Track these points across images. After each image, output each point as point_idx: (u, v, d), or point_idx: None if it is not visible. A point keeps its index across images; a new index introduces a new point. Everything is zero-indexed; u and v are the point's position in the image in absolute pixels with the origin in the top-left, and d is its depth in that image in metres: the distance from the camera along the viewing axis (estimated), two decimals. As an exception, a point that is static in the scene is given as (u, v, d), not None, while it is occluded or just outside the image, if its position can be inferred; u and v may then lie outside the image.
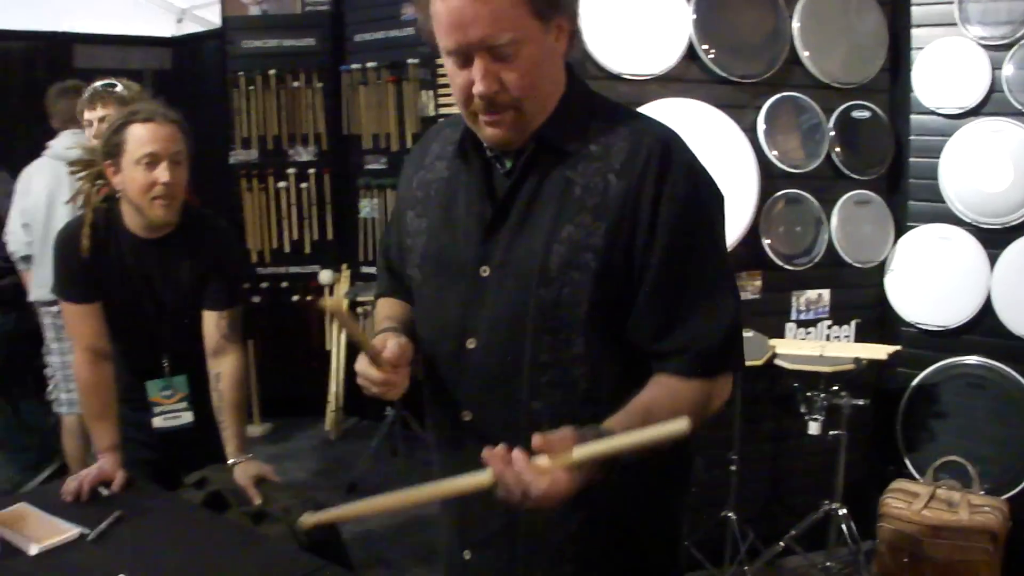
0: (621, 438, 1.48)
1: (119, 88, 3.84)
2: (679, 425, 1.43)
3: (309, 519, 1.77)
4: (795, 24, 4.04)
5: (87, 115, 3.86)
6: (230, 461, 2.82)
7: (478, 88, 1.63)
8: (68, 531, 2.32)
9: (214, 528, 2.48)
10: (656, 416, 1.53)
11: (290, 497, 2.69)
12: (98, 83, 3.88)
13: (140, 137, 2.71)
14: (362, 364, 1.76)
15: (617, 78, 3.83)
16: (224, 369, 2.92)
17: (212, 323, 2.93)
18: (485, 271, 1.75)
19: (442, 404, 1.84)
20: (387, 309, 2.05)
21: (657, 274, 1.66)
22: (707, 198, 1.74)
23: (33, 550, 2.23)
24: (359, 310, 6.14)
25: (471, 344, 1.76)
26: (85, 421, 2.95)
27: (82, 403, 2.92)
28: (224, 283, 2.95)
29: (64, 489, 2.59)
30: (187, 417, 3.03)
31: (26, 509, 2.44)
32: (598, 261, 1.66)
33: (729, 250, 3.81)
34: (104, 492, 2.63)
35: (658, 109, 3.82)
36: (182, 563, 2.21)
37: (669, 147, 1.71)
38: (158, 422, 3.02)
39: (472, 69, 1.63)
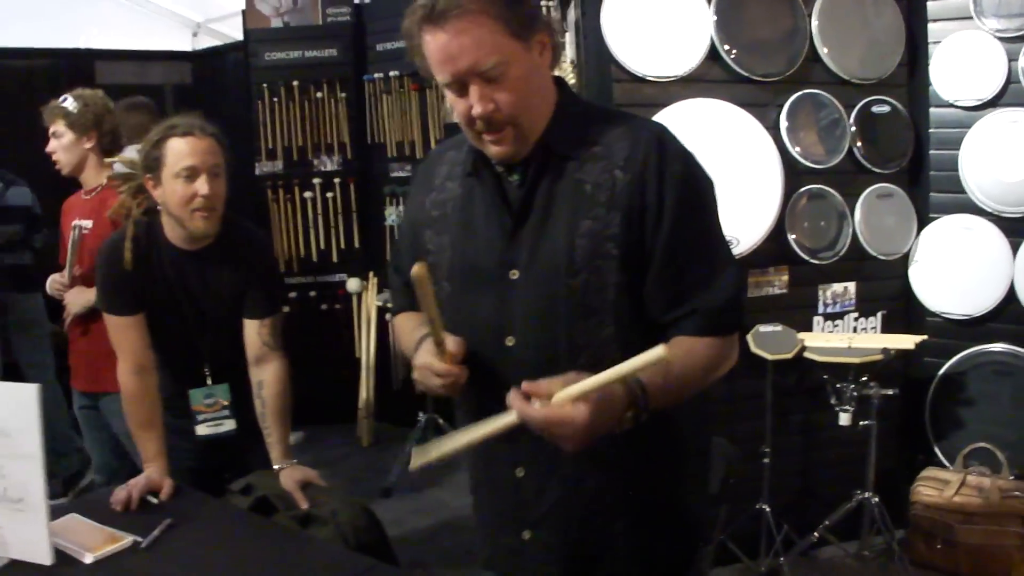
0: (606, 372, 1.62)
1: (68, 103, 3.86)
2: (656, 353, 1.58)
3: (417, 461, 1.82)
4: (813, 22, 4.09)
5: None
6: (276, 467, 2.87)
7: (476, 110, 1.78)
8: (122, 539, 2.36)
9: (263, 532, 2.51)
10: (678, 367, 1.75)
11: (337, 500, 2.72)
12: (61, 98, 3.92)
13: (179, 151, 2.76)
14: (425, 357, 1.86)
15: (641, 80, 3.89)
16: (267, 377, 2.96)
17: (253, 331, 2.97)
18: (514, 274, 1.87)
19: (486, 402, 1.89)
20: (412, 322, 2.13)
21: (664, 251, 1.82)
22: (701, 181, 1.89)
23: (88, 559, 2.26)
24: (388, 316, 6.18)
25: (510, 342, 1.87)
26: (131, 431, 2.98)
27: (127, 413, 2.94)
28: (264, 292, 3.00)
29: (113, 498, 2.62)
30: (229, 425, 3.07)
31: (77, 519, 2.48)
32: (619, 248, 1.81)
33: (756, 246, 3.92)
34: (153, 500, 2.66)
35: (682, 110, 3.89)
36: (235, 566, 2.25)
37: (663, 139, 1.86)
38: (201, 430, 3.06)
39: (469, 96, 1.78)
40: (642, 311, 1.86)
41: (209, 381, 3.06)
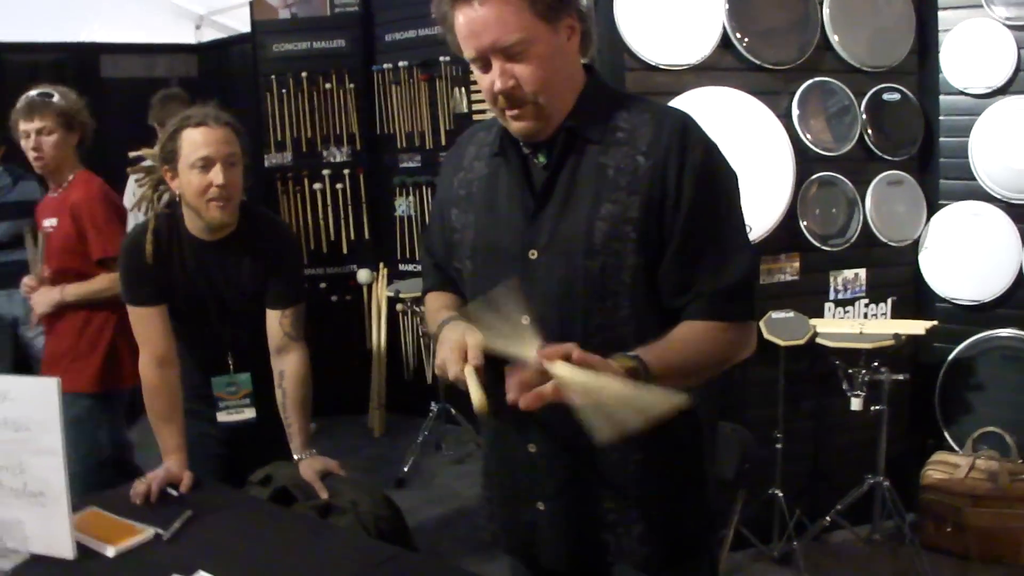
0: (619, 384, 1.62)
1: (56, 98, 3.81)
2: (678, 400, 1.61)
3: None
4: (824, 10, 4.12)
5: (23, 126, 3.79)
6: (296, 457, 2.86)
7: (497, 86, 1.81)
8: (144, 532, 2.33)
9: (284, 522, 2.50)
10: (680, 347, 1.80)
11: (356, 490, 2.71)
12: (33, 92, 3.85)
13: (194, 141, 2.76)
14: (454, 337, 1.86)
15: (654, 68, 3.92)
16: (288, 367, 2.95)
17: (275, 321, 2.96)
18: (533, 254, 1.90)
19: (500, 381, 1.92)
20: (440, 301, 2.17)
21: (681, 236, 1.83)
22: (721, 170, 1.90)
23: (110, 552, 2.24)
24: (399, 307, 6.22)
25: (525, 321, 1.86)
26: (151, 423, 2.96)
27: (148, 405, 2.92)
28: (285, 281, 2.98)
29: (133, 492, 2.60)
30: (250, 413, 3.06)
31: (97, 512, 2.46)
32: (637, 231, 1.83)
33: (767, 233, 3.94)
34: (173, 493, 2.64)
35: (695, 98, 3.91)
36: (257, 557, 2.23)
37: (687, 127, 1.88)
38: (222, 416, 3.05)
39: (492, 71, 1.81)
40: (658, 295, 1.88)
41: (232, 369, 3.05)
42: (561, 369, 1.61)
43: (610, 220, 1.83)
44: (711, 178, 1.85)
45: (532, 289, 1.86)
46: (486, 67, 1.83)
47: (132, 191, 4.75)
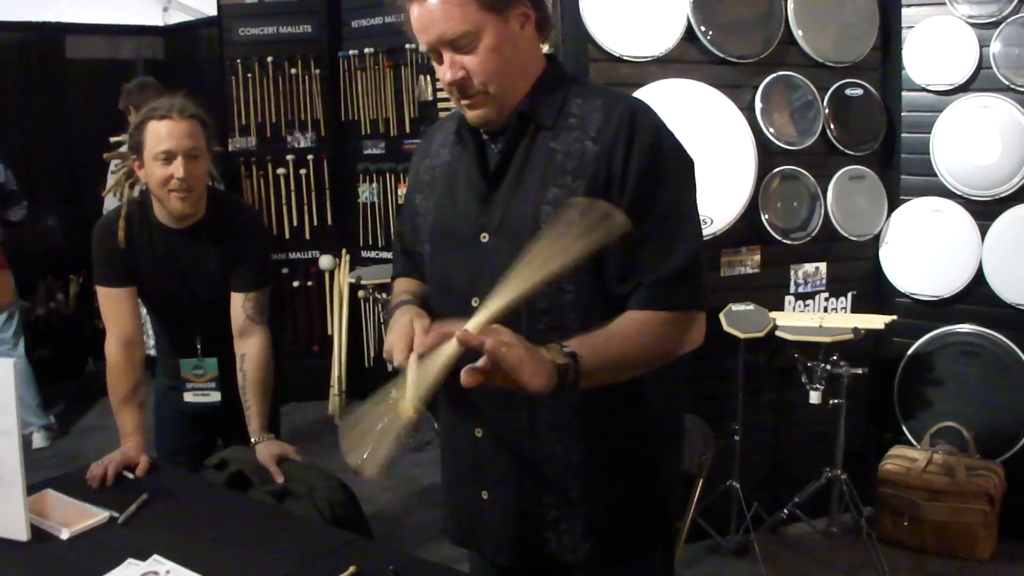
0: (507, 292, 1.64)
1: None
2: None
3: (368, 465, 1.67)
4: (789, 4, 4.12)
5: None
6: (252, 440, 2.87)
7: (446, 77, 1.85)
8: (98, 515, 2.33)
9: (240, 507, 2.50)
10: (619, 340, 1.78)
11: (313, 475, 2.72)
12: None
13: (157, 134, 2.78)
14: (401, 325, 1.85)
15: (618, 60, 3.91)
16: (249, 350, 2.97)
17: (238, 304, 2.99)
18: (485, 237, 1.92)
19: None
20: (403, 286, 2.21)
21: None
22: (671, 155, 1.89)
23: (64, 534, 2.23)
24: (360, 293, 6.21)
25: (475, 303, 1.88)
26: (111, 404, 2.98)
27: (110, 386, 2.93)
28: (249, 265, 3.01)
29: (89, 474, 2.60)
30: (215, 397, 3.12)
31: (51, 495, 2.45)
32: None
33: (729, 226, 3.95)
34: (129, 476, 2.64)
35: (658, 90, 3.91)
36: (212, 541, 2.22)
37: (636, 112, 1.87)
38: (188, 396, 3.12)
39: (444, 63, 1.85)
40: (604, 281, 1.88)
41: (199, 353, 3.11)
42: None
43: (555, 204, 1.82)
44: (658, 163, 1.84)
45: (482, 272, 1.88)
46: (439, 58, 1.85)
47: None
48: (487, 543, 2.10)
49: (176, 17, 8.01)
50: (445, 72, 1.84)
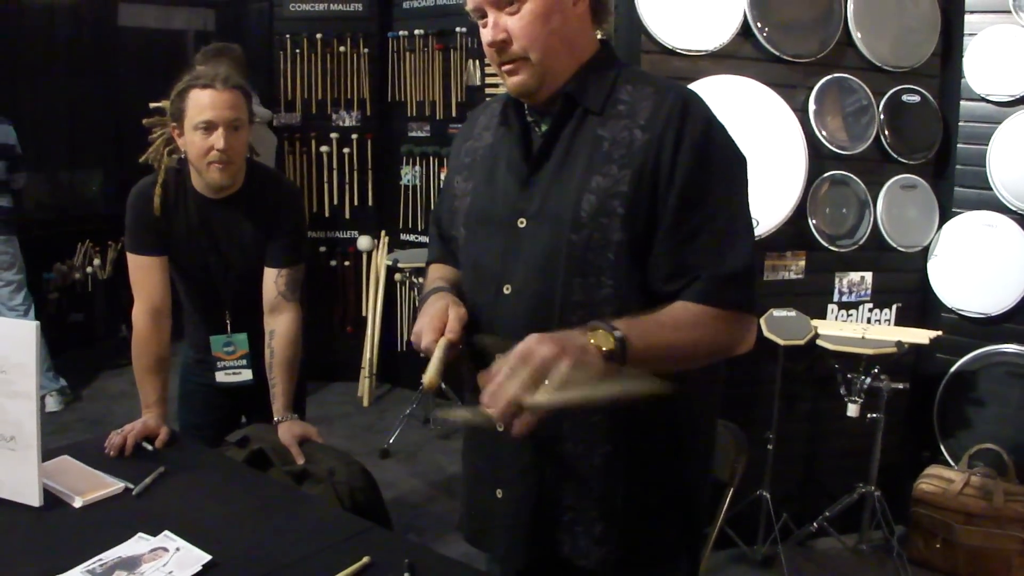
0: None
1: None
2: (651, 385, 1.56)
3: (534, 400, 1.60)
4: (849, 5, 4.03)
5: None
6: (276, 419, 2.85)
7: (487, 36, 1.80)
8: (112, 485, 2.32)
9: (257, 486, 2.47)
10: (671, 328, 1.73)
11: (334, 459, 2.69)
12: None
13: (199, 103, 2.75)
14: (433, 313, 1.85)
15: (671, 52, 3.84)
16: (279, 327, 2.95)
17: (270, 280, 2.97)
18: (522, 222, 1.86)
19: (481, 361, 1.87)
20: (437, 272, 2.15)
21: (674, 214, 1.76)
22: (722, 148, 1.82)
23: (78, 503, 2.23)
24: (397, 276, 6.18)
25: (507, 290, 1.85)
26: (135, 374, 2.95)
27: (135, 355, 2.92)
28: (284, 240, 2.98)
29: (108, 443, 2.59)
30: (247, 375, 3.09)
31: (68, 461, 2.45)
32: (625, 207, 1.76)
33: (775, 229, 3.87)
34: (148, 447, 2.64)
35: (710, 85, 3.83)
36: (225, 519, 2.20)
37: (688, 102, 1.81)
38: (220, 377, 3.09)
39: (488, 23, 1.80)
40: (643, 276, 1.81)
41: (229, 329, 3.08)
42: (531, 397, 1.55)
43: (598, 193, 1.77)
44: (709, 155, 1.78)
45: (516, 258, 1.85)
46: (484, 17, 1.81)
47: None
48: (498, 544, 2.04)
49: (229, -10, 8.02)
50: (487, 33, 1.79)
